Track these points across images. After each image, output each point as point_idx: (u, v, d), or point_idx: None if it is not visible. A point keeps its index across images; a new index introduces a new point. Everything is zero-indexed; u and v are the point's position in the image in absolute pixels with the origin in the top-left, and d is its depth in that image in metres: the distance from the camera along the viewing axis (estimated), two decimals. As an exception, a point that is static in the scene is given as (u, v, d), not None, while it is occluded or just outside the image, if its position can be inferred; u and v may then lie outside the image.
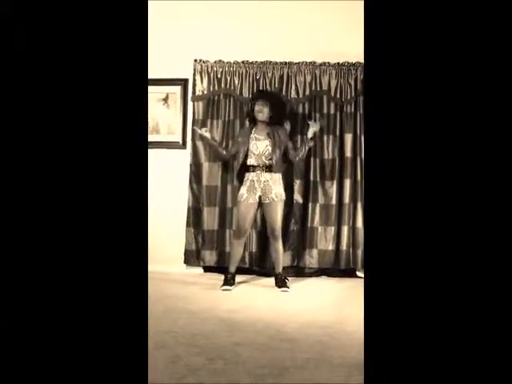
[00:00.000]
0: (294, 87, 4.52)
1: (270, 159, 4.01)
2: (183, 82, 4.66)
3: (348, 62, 4.49)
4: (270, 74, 4.52)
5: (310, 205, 4.49)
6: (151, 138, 4.52)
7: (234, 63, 4.54)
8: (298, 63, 4.51)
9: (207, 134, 4.17)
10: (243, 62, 4.53)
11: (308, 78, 4.51)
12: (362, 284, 1.66)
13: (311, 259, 4.50)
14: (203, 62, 4.57)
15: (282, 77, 4.52)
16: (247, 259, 4.46)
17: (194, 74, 4.58)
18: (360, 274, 4.50)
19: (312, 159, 4.46)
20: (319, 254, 4.49)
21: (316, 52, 4.50)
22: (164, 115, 4.70)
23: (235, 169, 4.22)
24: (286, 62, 4.52)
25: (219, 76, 4.56)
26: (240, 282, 4.13)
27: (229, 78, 4.55)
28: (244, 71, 4.54)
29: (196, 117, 4.56)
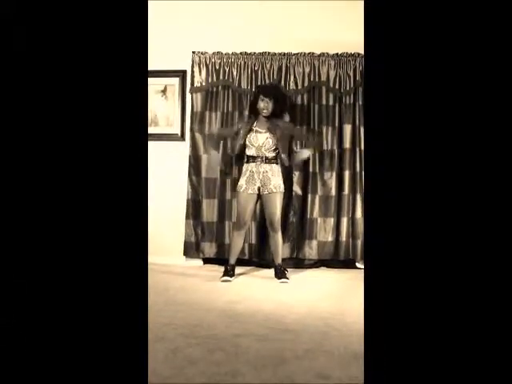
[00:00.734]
0: (292, 78, 4.50)
1: (271, 151, 4.00)
2: (181, 74, 4.64)
3: (347, 53, 4.47)
4: (268, 65, 4.51)
5: (309, 196, 4.49)
6: (150, 130, 4.52)
7: (232, 54, 4.53)
8: (297, 54, 4.50)
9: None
10: (242, 54, 4.51)
11: (307, 69, 4.50)
12: (362, 275, 1.66)
13: (310, 250, 4.51)
14: (201, 53, 4.55)
15: (280, 68, 4.51)
16: (247, 251, 4.47)
17: (193, 66, 4.57)
18: (359, 265, 4.51)
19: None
20: (318, 245, 4.49)
21: (315, 43, 4.48)
22: (162, 107, 4.69)
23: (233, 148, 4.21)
24: (284, 53, 4.50)
25: (217, 67, 4.54)
26: (240, 274, 4.14)
27: (227, 70, 4.53)
28: (242, 62, 4.52)
29: (194, 109, 4.55)
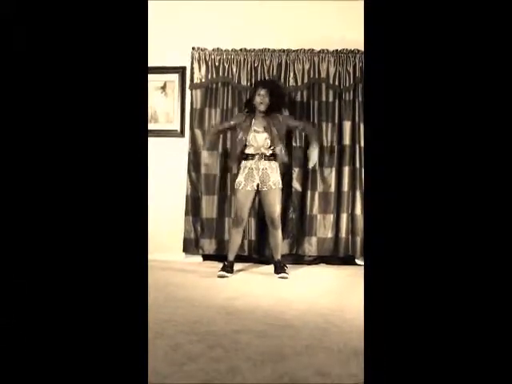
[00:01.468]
0: (292, 75, 4.50)
1: (269, 149, 3.99)
2: (181, 70, 4.64)
3: (347, 49, 4.47)
4: (268, 62, 4.50)
5: (308, 192, 4.50)
6: (149, 126, 4.51)
7: (232, 51, 4.52)
8: (297, 51, 4.49)
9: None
10: (241, 50, 4.51)
11: (306, 66, 4.49)
12: (361, 271, 1.67)
13: (310, 247, 4.51)
14: (201, 49, 4.54)
15: (280, 64, 4.50)
16: (246, 247, 4.47)
17: (192, 62, 4.56)
18: (359, 261, 4.51)
19: (311, 147, 4.46)
20: (318, 241, 4.50)
21: (314, 39, 4.48)
22: (162, 103, 4.69)
23: (232, 157, 4.23)
24: (284, 50, 4.50)
25: (217, 64, 4.53)
26: (239, 270, 4.14)
27: (227, 66, 4.53)
28: (242, 59, 4.51)
29: (194, 105, 4.55)
